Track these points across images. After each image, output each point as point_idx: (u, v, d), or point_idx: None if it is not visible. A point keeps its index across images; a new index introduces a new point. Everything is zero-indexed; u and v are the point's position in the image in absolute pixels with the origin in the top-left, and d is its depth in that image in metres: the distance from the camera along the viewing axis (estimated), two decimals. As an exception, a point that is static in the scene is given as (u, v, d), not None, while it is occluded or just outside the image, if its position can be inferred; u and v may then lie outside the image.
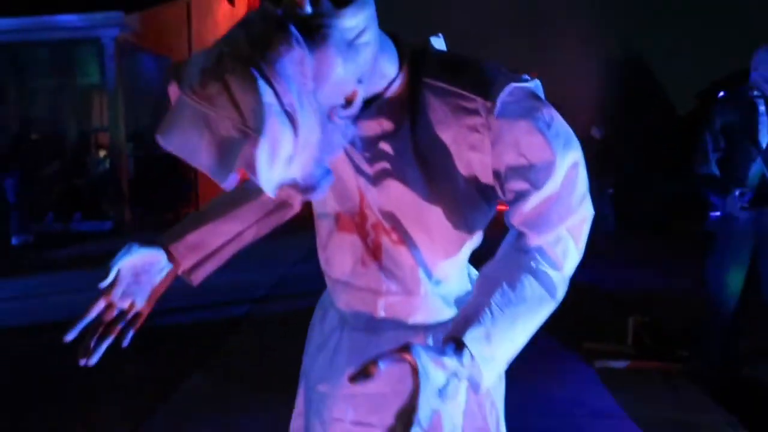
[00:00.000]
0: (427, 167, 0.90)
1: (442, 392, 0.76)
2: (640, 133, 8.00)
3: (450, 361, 0.77)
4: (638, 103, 7.93)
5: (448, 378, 0.77)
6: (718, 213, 2.96)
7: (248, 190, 1.13)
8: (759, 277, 2.95)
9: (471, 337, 0.80)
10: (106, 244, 8.23)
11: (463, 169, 0.91)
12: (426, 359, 0.75)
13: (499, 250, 0.94)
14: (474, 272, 1.11)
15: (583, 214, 0.91)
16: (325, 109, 0.79)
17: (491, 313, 0.83)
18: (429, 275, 1.00)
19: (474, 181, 0.92)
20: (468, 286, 1.07)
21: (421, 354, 0.75)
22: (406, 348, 0.76)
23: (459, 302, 1.05)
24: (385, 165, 0.92)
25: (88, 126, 11.34)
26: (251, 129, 0.72)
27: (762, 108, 2.86)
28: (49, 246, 8.36)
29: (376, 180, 0.93)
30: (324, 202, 1.01)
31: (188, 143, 0.74)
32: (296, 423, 1.15)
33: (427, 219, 0.94)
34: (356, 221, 0.98)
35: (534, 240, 0.89)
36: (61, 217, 9.83)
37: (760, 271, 2.95)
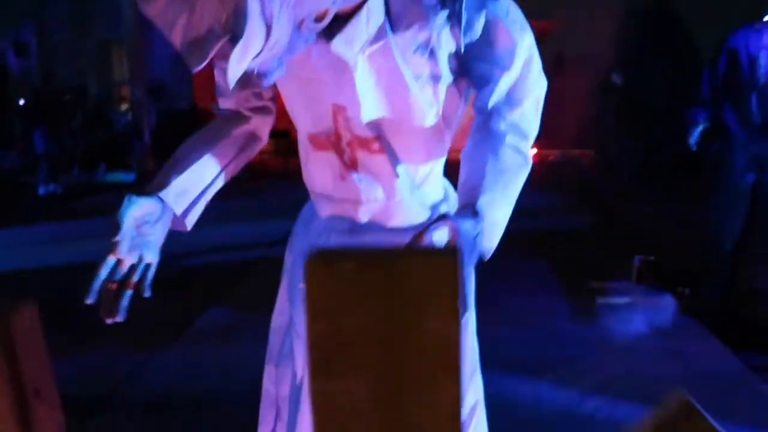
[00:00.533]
0: (409, 66, 0.99)
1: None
2: (661, 79, 7.81)
3: (474, 225, 0.91)
4: (661, 49, 7.71)
5: (474, 241, 0.90)
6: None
7: (217, 130, 1.16)
8: (759, 216, 2.97)
9: (481, 204, 0.94)
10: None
11: (438, 64, 1.00)
12: (462, 224, 0.89)
13: (471, 137, 1.05)
14: (448, 184, 1.20)
15: (542, 86, 1.06)
16: (297, 20, 0.86)
17: (489, 183, 0.97)
18: (407, 182, 1.09)
19: (447, 74, 1.02)
20: (442, 194, 1.17)
21: (457, 220, 0.90)
22: (443, 218, 0.90)
23: (435, 207, 1.15)
24: (374, 72, 0.99)
25: (109, 79, 11.47)
26: (231, 30, 0.79)
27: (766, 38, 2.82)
28: (74, 196, 8.60)
29: (365, 88, 1.00)
30: (300, 124, 1.10)
31: (167, 15, 0.81)
32: (277, 320, 1.25)
33: (411, 120, 1.04)
34: (332, 140, 1.07)
35: (506, 117, 1.02)
36: (86, 168, 10.06)
37: (758, 211, 2.96)
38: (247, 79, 0.98)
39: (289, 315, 1.20)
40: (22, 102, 9.96)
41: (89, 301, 0.98)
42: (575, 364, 2.78)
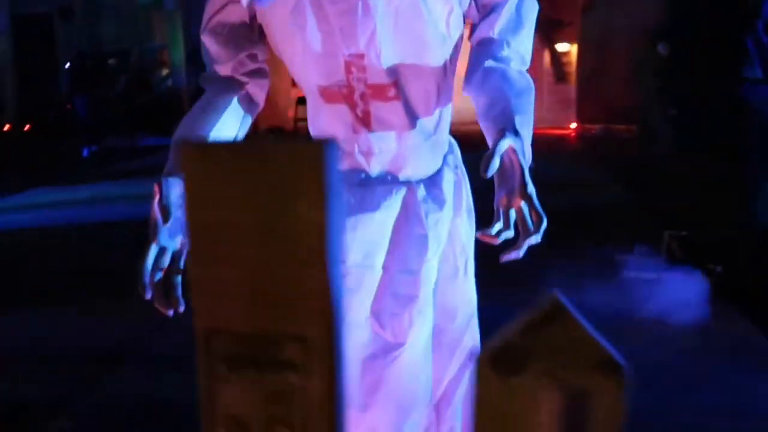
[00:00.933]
0: (426, 4, 1.01)
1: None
2: (708, 50, 7.47)
3: (521, 144, 0.96)
4: (710, 18, 7.36)
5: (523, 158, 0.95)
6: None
7: (218, 101, 1.13)
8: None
9: (518, 124, 0.98)
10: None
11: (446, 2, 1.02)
12: (516, 143, 0.94)
13: (472, 70, 1.09)
14: (452, 140, 1.21)
15: (535, 10, 1.10)
16: None
17: (515, 106, 1.01)
18: (420, 129, 1.09)
19: (457, 5, 1.04)
20: (448, 144, 1.18)
21: (515, 140, 0.94)
22: (500, 138, 0.94)
23: (444, 157, 1.16)
24: (393, 12, 1.00)
25: (150, 44, 11.64)
26: None
27: None
28: (116, 158, 8.85)
29: (385, 30, 1.00)
30: (310, 78, 1.08)
31: None
32: None
33: (426, 59, 1.05)
34: (344, 93, 1.06)
35: (510, 43, 1.07)
36: (127, 132, 10.31)
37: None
38: (243, 38, 1.01)
39: None
40: (67, 66, 10.21)
41: (147, 296, 0.94)
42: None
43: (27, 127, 10.64)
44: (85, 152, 9.05)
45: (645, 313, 2.97)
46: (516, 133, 0.96)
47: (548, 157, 9.00)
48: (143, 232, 0.98)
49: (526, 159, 0.97)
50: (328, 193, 0.27)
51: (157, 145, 10.22)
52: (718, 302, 3.06)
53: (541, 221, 0.93)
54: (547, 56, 12.40)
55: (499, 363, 0.32)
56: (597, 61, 11.22)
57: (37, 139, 10.01)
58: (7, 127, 10.86)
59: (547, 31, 12.15)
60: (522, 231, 0.93)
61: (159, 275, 0.94)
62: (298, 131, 10.13)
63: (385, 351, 1.11)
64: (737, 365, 2.53)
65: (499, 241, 0.95)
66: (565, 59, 12.40)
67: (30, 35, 11.10)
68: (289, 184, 0.27)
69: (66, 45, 10.96)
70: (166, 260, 0.96)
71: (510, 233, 0.94)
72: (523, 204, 0.93)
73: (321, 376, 0.31)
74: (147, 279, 0.94)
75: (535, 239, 0.94)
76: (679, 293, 3.16)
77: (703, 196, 5.09)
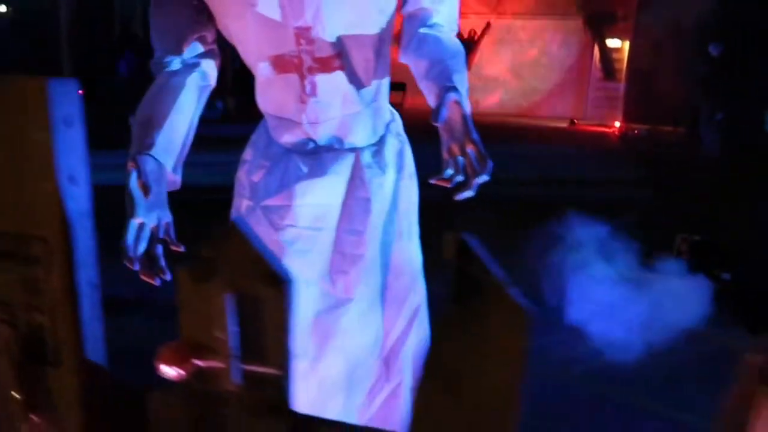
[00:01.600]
0: None
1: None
2: (760, 53, 7.20)
3: (461, 98, 1.06)
4: (764, 21, 7.09)
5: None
6: None
7: (172, 83, 1.16)
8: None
9: (456, 81, 1.08)
10: (215, 129, 8.89)
11: None
12: (459, 97, 1.05)
13: (407, 40, 1.19)
14: (393, 109, 1.30)
15: None
16: None
17: (452, 65, 1.12)
18: (361, 97, 1.17)
19: None
20: (389, 115, 1.27)
21: (457, 95, 1.05)
22: (445, 92, 1.04)
23: (387, 125, 1.25)
24: None
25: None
26: None
27: None
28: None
29: (330, 3, 1.08)
30: (263, 49, 1.15)
31: None
32: None
33: (369, 29, 1.13)
34: (295, 63, 1.13)
35: (440, 11, 1.18)
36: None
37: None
38: (192, 22, 1.10)
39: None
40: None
41: (136, 268, 0.97)
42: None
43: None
44: (132, 121, 9.31)
45: (634, 311, 2.96)
46: (456, 89, 1.06)
47: (587, 154, 8.87)
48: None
49: (467, 111, 1.08)
50: (54, 120, 0.35)
51: (203, 117, 10.48)
52: (718, 309, 3.03)
53: (486, 162, 1.01)
54: (596, 51, 12.13)
55: (196, 274, 0.39)
56: (649, 59, 10.90)
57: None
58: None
59: (598, 25, 11.88)
60: (471, 173, 1.02)
61: (142, 248, 0.99)
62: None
63: (334, 306, 1.21)
64: (716, 369, 2.51)
65: (452, 185, 1.03)
66: (615, 56, 12.11)
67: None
68: (21, 114, 0.35)
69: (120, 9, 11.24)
70: (147, 233, 1.00)
71: (461, 177, 1.02)
72: (470, 149, 1.01)
73: (61, 271, 0.39)
74: (131, 252, 0.97)
75: (484, 178, 1.02)
76: (675, 296, 3.14)
77: (732, 203, 4.97)
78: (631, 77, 11.67)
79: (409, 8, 1.19)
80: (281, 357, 0.38)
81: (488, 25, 12.56)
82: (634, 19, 11.51)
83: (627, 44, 11.94)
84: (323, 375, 1.20)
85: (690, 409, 2.32)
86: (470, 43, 12.58)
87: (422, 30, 1.18)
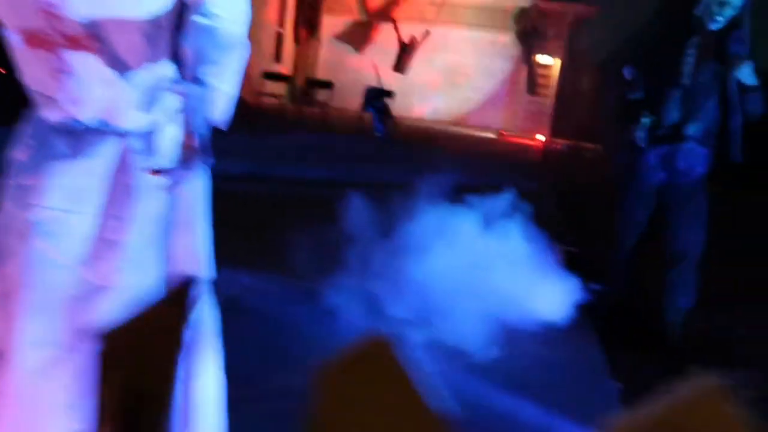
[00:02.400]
0: None
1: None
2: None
3: (201, 92, 1.15)
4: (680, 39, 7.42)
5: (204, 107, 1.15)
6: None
7: None
8: (661, 220, 2.96)
9: (203, 74, 1.16)
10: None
11: None
12: (189, 89, 1.12)
13: (185, 27, 1.20)
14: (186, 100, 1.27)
15: None
16: None
17: (211, 57, 1.18)
18: (129, 80, 1.16)
19: None
20: (172, 103, 1.23)
21: (186, 86, 1.11)
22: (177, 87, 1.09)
23: (169, 114, 1.23)
24: None
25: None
26: None
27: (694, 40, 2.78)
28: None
29: None
30: (13, 22, 1.14)
31: None
32: None
33: (130, 12, 1.12)
34: (46, 39, 1.12)
35: (217, 2, 1.20)
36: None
37: (664, 215, 2.95)
38: None
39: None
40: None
41: None
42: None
43: None
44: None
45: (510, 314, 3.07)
46: (199, 82, 1.11)
47: (507, 165, 9.05)
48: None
49: (210, 108, 1.15)
50: None
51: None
52: (577, 318, 3.18)
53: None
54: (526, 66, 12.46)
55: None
56: (576, 78, 11.27)
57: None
58: None
59: (528, 41, 12.21)
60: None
61: None
62: (262, 107, 10.11)
63: (90, 293, 1.18)
64: (566, 377, 2.64)
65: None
66: (544, 72, 12.46)
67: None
68: None
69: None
70: None
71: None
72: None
73: None
74: None
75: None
76: (550, 302, 3.28)
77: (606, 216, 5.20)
78: (559, 94, 12.05)
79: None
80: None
81: (427, 32, 12.72)
82: (565, 39, 11.91)
83: (558, 62, 12.33)
84: (78, 367, 1.16)
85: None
86: (408, 49, 12.72)
87: (196, 18, 1.19)
